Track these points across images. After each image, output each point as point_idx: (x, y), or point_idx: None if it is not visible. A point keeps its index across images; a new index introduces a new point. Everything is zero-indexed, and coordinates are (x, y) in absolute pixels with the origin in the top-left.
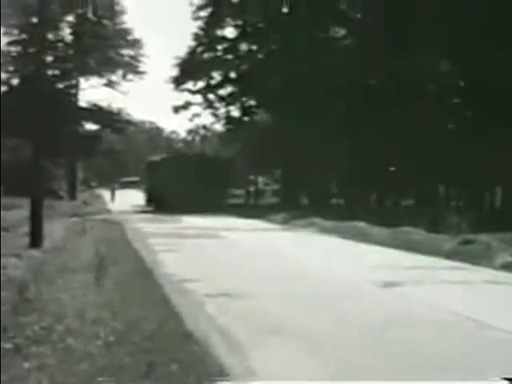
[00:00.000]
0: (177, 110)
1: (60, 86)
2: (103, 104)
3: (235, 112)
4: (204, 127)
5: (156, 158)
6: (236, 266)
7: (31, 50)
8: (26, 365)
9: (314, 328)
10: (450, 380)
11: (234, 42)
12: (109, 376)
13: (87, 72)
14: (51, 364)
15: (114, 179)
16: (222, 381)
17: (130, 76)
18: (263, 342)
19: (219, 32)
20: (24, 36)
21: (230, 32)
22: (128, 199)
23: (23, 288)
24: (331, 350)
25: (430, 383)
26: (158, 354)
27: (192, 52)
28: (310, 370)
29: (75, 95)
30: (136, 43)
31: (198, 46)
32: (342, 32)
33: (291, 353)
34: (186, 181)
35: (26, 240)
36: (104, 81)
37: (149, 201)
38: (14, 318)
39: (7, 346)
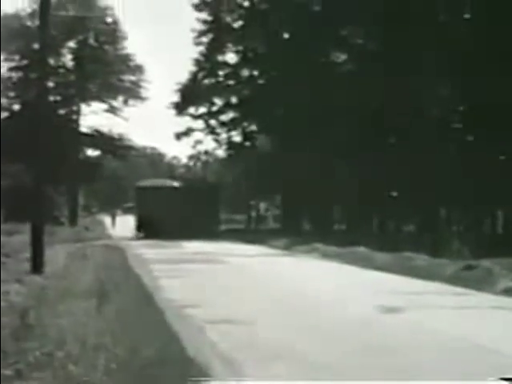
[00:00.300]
0: (179, 136)
1: (61, 111)
2: (104, 129)
3: (237, 137)
4: (206, 152)
5: (145, 183)
6: (239, 291)
7: (32, 75)
8: None
9: (316, 355)
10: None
11: (235, 67)
12: None
13: (88, 98)
14: None
15: (115, 205)
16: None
17: (131, 101)
18: (263, 368)
19: (220, 57)
20: (25, 62)
21: (231, 58)
22: (129, 224)
23: (24, 313)
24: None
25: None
26: (160, 380)
27: (193, 78)
28: None
29: (76, 121)
30: (137, 69)
31: (199, 71)
32: (342, 57)
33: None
34: (176, 207)
35: (28, 265)
36: (105, 106)
37: (139, 227)
38: (15, 344)
39: (8, 372)
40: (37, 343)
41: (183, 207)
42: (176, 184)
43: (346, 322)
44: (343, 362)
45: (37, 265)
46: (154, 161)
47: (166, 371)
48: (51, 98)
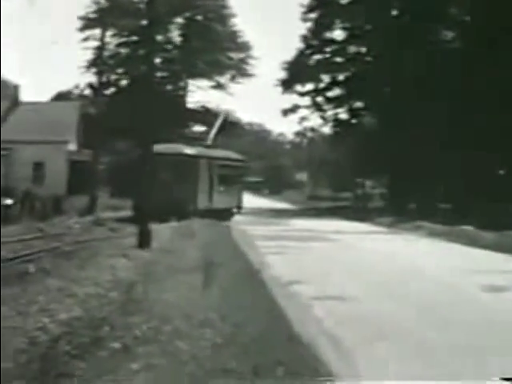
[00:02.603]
0: (286, 113)
1: (168, 87)
2: (211, 106)
3: (343, 114)
4: (312, 129)
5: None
6: (346, 269)
7: (140, 51)
8: (135, 365)
9: (420, 333)
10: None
11: (343, 44)
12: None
13: (195, 74)
14: (159, 365)
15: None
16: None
17: (238, 78)
18: (370, 347)
19: (328, 34)
20: (133, 38)
21: (338, 34)
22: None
23: (131, 288)
24: (437, 357)
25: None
26: (265, 356)
27: (300, 54)
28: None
29: (183, 97)
30: (245, 46)
31: (306, 48)
32: (450, 35)
33: (396, 359)
34: (186, 179)
35: (134, 240)
36: (212, 83)
37: (135, 207)
38: (122, 318)
39: (116, 345)
40: (143, 318)
41: (195, 180)
42: (190, 151)
43: (450, 300)
44: (444, 341)
45: (143, 240)
46: (261, 137)
47: (271, 348)
48: (158, 74)
